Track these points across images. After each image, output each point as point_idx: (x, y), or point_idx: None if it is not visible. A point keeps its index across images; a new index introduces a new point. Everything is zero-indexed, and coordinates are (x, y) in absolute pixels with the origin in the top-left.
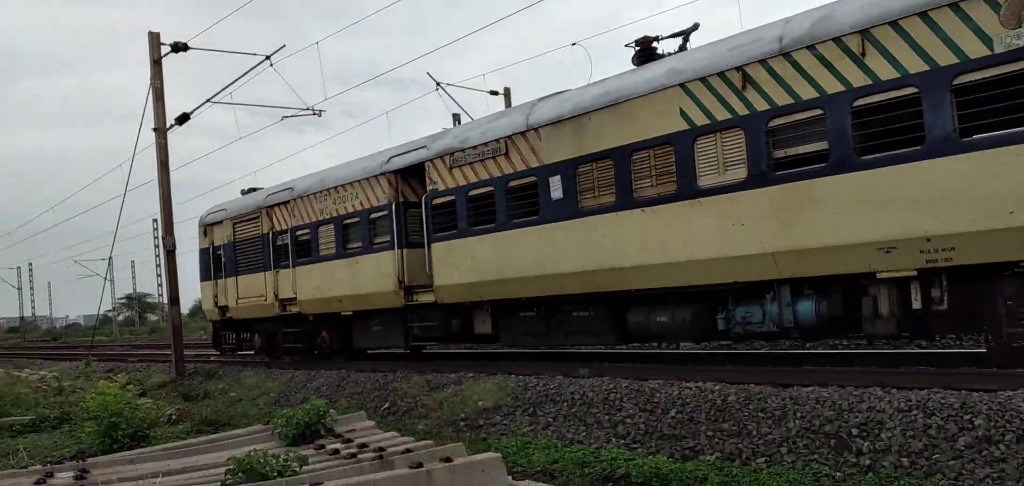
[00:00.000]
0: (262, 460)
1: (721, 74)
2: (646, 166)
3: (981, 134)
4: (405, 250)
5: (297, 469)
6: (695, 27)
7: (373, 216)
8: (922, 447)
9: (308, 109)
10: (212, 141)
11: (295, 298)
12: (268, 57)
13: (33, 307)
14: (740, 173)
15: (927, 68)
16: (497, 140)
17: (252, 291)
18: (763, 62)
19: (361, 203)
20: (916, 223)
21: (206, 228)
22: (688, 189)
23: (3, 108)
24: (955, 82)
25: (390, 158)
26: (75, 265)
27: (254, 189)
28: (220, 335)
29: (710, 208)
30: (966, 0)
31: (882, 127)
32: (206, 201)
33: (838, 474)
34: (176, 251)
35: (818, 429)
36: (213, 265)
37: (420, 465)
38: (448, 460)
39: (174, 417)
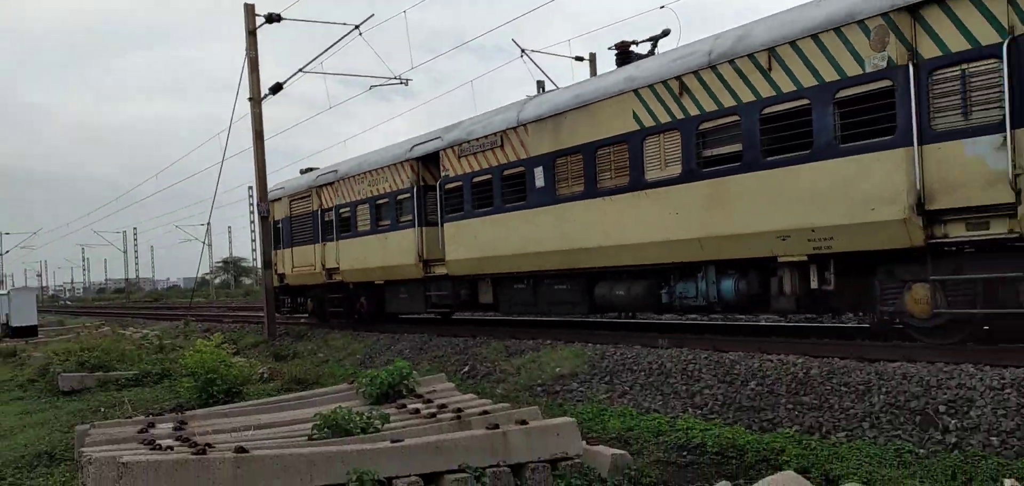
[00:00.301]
0: (346, 416)
1: (664, 82)
2: (608, 161)
3: (854, 141)
4: (424, 228)
5: (379, 426)
6: (665, 33)
7: (399, 197)
8: (1014, 426)
9: (395, 78)
10: (304, 110)
11: (338, 268)
12: (357, 27)
13: (137, 270)
14: (677, 169)
15: (816, 83)
16: (495, 134)
17: (304, 261)
18: (696, 73)
19: (390, 186)
20: (805, 216)
21: (268, 204)
22: (638, 182)
23: (113, 80)
24: (837, 95)
25: (413, 147)
26: (176, 230)
27: (311, 169)
28: (280, 299)
29: (655, 199)
30: (846, 26)
31: (782, 132)
32: (297, 169)
33: (922, 451)
34: (270, 217)
35: (903, 405)
36: (273, 237)
37: (496, 426)
38: (523, 423)
39: (266, 375)
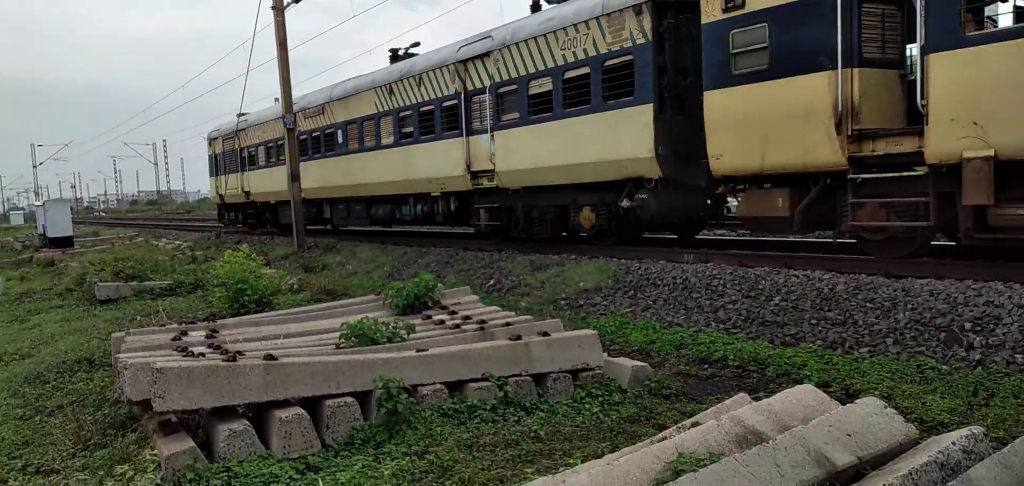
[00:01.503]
0: (373, 326)
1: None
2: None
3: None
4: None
5: (405, 336)
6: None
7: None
8: None
9: None
10: (328, 19)
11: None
12: None
13: (168, 181)
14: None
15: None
16: None
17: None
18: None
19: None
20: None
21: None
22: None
23: None
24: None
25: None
26: (203, 141)
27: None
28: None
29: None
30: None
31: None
32: (324, 80)
33: (945, 367)
34: (295, 130)
35: (929, 322)
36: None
37: (519, 337)
38: (545, 334)
39: (295, 286)
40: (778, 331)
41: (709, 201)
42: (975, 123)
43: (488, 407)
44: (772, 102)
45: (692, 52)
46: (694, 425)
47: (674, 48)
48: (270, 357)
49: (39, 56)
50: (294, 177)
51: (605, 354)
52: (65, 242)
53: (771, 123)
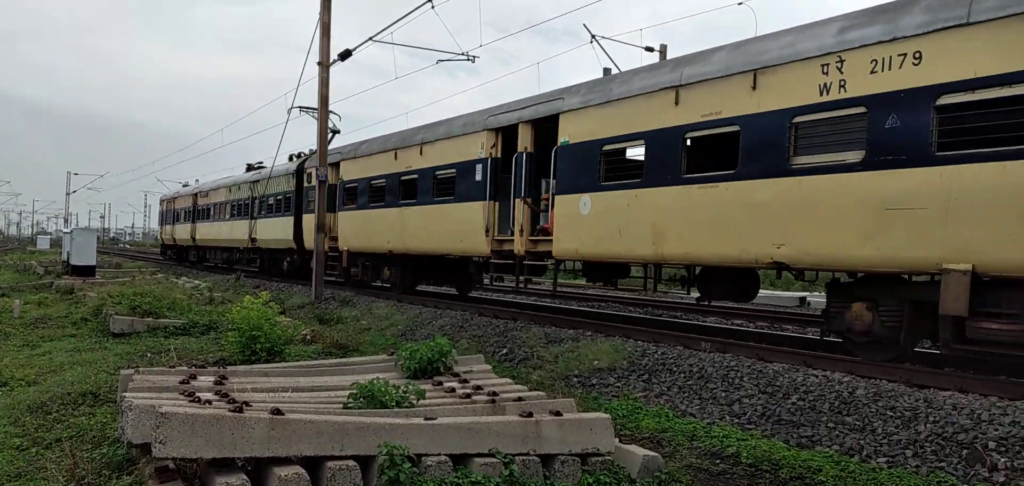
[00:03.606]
0: (382, 389)
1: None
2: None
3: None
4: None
5: (414, 402)
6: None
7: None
8: None
9: (463, 54)
10: (368, 78)
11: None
12: (430, 0)
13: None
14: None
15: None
16: None
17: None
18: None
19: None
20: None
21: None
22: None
23: (185, 31)
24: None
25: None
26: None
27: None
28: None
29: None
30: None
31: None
32: (358, 136)
33: None
34: (326, 182)
35: (950, 436)
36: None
37: (530, 415)
38: (558, 414)
39: (308, 337)
40: (794, 431)
41: None
42: None
43: (492, 485)
44: None
45: None
46: None
47: None
48: (277, 411)
49: (82, 86)
50: (320, 228)
51: (616, 439)
52: (87, 271)
53: None
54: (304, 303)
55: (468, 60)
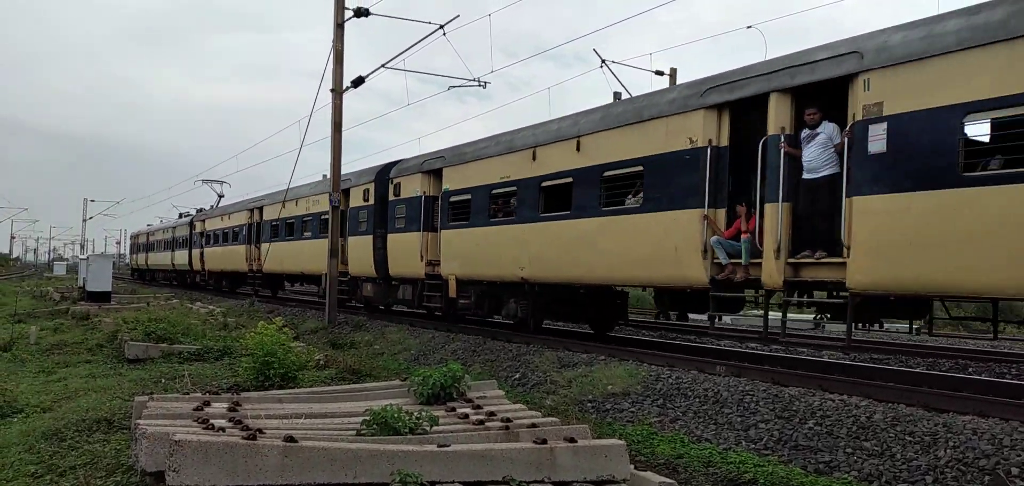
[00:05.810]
0: (396, 415)
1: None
2: None
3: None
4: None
5: (427, 428)
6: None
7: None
8: None
9: (474, 80)
10: (381, 104)
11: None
12: (442, 27)
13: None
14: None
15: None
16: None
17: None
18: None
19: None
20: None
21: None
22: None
23: (200, 60)
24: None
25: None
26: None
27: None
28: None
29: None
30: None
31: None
32: (372, 161)
33: None
34: (338, 207)
35: (971, 462)
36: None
37: (544, 441)
38: (572, 440)
39: (322, 363)
40: (811, 457)
41: None
42: None
43: None
44: None
45: None
46: None
47: None
48: (290, 438)
49: (99, 115)
50: (333, 253)
51: (631, 466)
52: (103, 297)
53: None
54: (317, 327)
55: (480, 86)
